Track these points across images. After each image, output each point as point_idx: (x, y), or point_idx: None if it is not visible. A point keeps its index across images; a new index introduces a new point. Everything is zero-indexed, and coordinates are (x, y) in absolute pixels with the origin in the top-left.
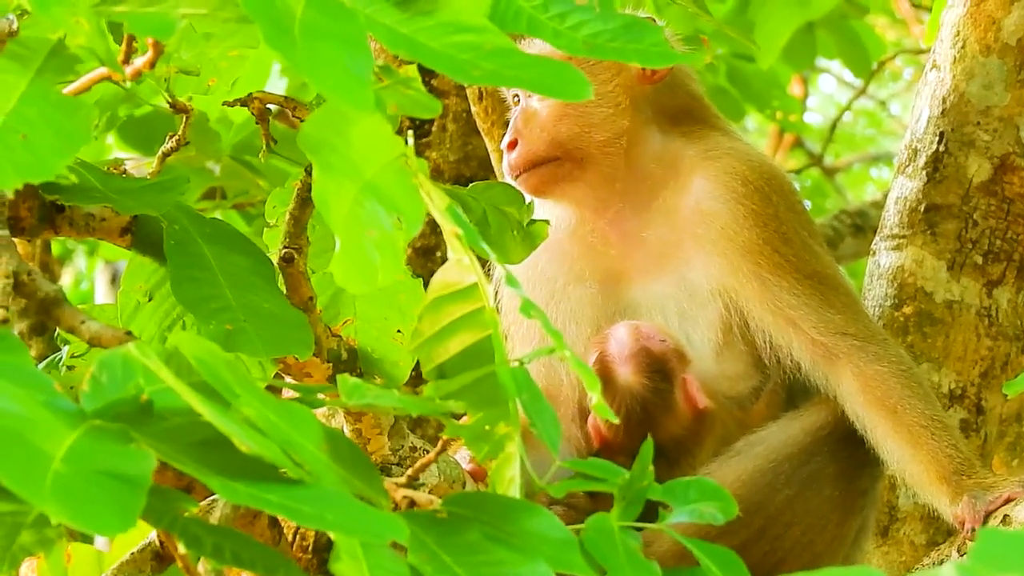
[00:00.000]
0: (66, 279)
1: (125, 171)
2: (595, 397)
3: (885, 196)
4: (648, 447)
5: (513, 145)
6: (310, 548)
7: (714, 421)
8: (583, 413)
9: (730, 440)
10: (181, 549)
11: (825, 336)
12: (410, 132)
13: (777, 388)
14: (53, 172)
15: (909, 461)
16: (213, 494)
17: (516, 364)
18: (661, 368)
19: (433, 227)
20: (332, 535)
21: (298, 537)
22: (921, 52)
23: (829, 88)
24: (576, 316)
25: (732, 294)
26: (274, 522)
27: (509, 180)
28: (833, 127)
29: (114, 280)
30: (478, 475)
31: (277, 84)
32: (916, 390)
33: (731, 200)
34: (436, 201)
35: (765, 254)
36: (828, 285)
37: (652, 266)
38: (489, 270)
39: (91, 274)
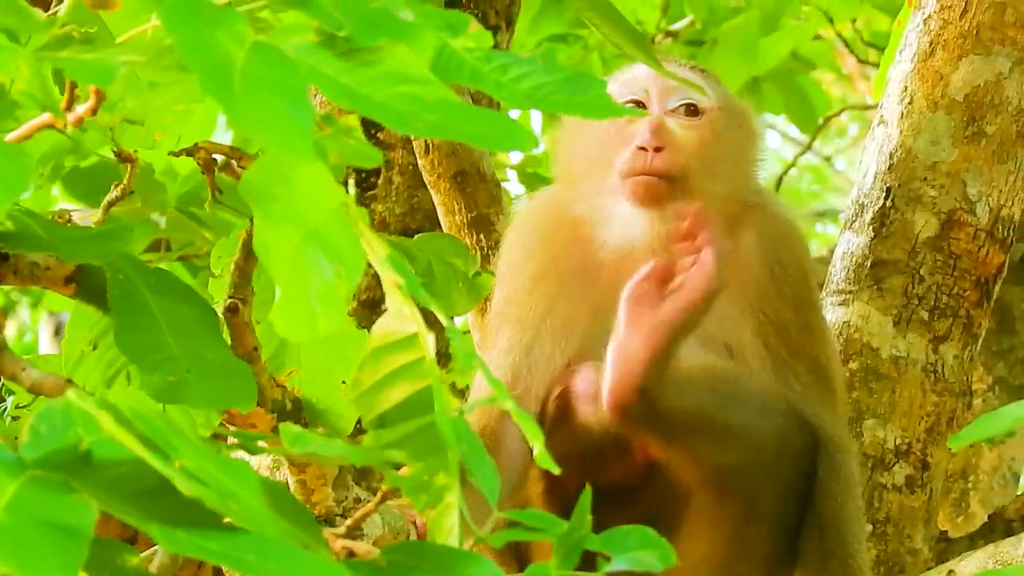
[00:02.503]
0: (10, 331)
1: (71, 220)
2: (537, 449)
3: (831, 252)
4: (586, 496)
5: (659, 149)
6: None
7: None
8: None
9: None
10: None
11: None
12: (352, 182)
13: None
14: None
15: None
16: (156, 544)
17: (456, 414)
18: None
19: (379, 279)
20: None
21: None
22: (867, 108)
23: (775, 143)
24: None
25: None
26: (219, 572)
27: (621, 179)
28: (779, 182)
29: (58, 332)
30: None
31: (224, 136)
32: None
33: (785, 260)
34: (377, 250)
35: (792, 324)
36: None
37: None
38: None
39: (35, 326)
